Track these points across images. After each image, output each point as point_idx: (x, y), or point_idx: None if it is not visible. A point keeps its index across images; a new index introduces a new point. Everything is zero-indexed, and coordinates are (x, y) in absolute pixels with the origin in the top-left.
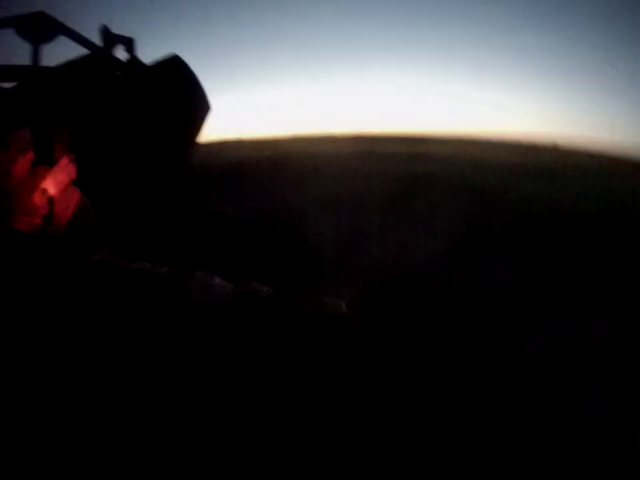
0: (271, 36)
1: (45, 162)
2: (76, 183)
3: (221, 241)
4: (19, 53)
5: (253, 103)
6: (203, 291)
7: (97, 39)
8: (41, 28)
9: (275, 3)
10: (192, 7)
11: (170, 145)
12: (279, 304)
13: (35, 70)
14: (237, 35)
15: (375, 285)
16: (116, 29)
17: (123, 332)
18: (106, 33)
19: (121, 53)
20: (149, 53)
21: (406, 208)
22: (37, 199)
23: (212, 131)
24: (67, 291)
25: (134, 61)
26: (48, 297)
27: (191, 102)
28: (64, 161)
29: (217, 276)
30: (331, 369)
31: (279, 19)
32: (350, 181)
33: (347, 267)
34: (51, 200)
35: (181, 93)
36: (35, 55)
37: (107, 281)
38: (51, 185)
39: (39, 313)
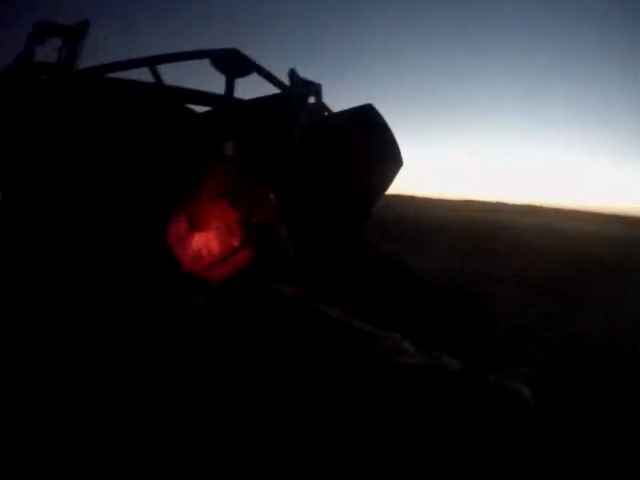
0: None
1: (245, 187)
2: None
3: (404, 296)
4: (213, 83)
5: (443, 161)
6: (393, 352)
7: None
8: (235, 63)
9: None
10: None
11: (355, 194)
12: (465, 383)
13: (230, 100)
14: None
15: (552, 365)
16: (303, 75)
17: (301, 369)
18: (294, 76)
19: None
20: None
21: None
22: (238, 217)
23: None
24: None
25: (321, 106)
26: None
27: (382, 155)
28: (265, 192)
29: (406, 340)
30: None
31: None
32: (531, 256)
33: (527, 342)
34: (251, 225)
35: (371, 145)
36: (229, 87)
37: (294, 318)
38: (252, 211)
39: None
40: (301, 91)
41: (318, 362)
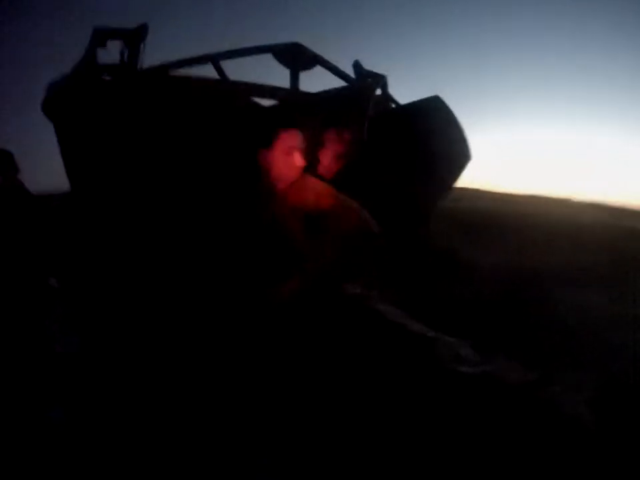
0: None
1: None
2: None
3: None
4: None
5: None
6: (452, 359)
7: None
8: (298, 56)
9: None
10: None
11: (421, 190)
12: (521, 399)
13: (296, 93)
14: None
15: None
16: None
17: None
18: (359, 68)
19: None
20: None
21: None
22: (303, 205)
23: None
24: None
25: (388, 98)
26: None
27: (450, 149)
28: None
29: (467, 344)
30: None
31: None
32: (593, 255)
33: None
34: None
35: (439, 139)
36: (294, 81)
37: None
38: (316, 194)
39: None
40: (369, 82)
41: (374, 367)
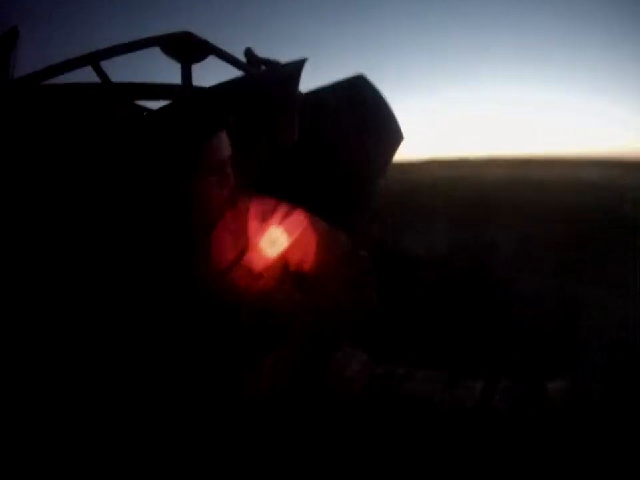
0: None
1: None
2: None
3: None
4: (165, 72)
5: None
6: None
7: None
8: (189, 48)
9: None
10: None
11: (356, 184)
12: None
13: (189, 90)
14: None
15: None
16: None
17: None
18: (251, 55)
19: None
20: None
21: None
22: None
23: None
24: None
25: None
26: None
27: (382, 134)
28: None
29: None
30: None
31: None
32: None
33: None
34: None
35: (370, 125)
36: (186, 75)
37: None
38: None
39: None
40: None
41: None
